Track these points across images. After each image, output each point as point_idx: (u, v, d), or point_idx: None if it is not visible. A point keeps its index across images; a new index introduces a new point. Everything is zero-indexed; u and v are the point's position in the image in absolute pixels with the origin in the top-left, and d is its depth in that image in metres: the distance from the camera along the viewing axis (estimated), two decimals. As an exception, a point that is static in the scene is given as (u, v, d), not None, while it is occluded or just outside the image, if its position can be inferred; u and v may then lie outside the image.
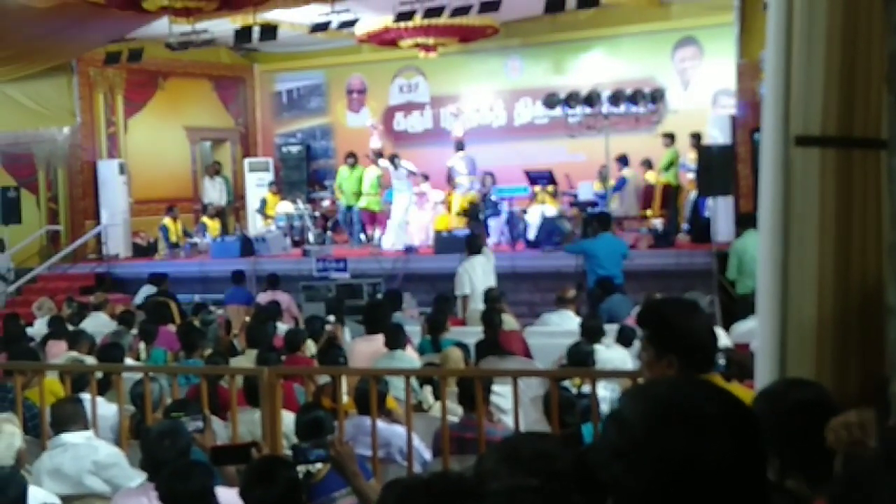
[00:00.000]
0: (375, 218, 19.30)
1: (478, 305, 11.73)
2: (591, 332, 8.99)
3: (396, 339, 8.55)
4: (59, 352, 9.76)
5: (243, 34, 17.36)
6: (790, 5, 3.29)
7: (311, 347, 9.89)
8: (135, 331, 11.00)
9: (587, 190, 18.10)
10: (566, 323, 10.92)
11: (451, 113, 21.96)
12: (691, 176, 16.91)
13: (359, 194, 19.09)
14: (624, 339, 9.11)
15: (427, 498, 1.49)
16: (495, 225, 17.88)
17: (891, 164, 3.06)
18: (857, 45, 3.26)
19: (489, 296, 11.53)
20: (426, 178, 18.79)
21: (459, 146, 19.20)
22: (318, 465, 4.91)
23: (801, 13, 3.27)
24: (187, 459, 4.66)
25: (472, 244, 13.29)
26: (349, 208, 19.35)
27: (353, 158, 19.41)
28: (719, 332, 9.26)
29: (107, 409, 6.93)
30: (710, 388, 1.66)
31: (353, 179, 19.19)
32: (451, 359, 7.98)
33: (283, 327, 11.11)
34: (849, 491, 1.55)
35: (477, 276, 12.61)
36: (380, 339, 8.83)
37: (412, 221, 18.25)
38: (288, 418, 6.44)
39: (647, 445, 1.56)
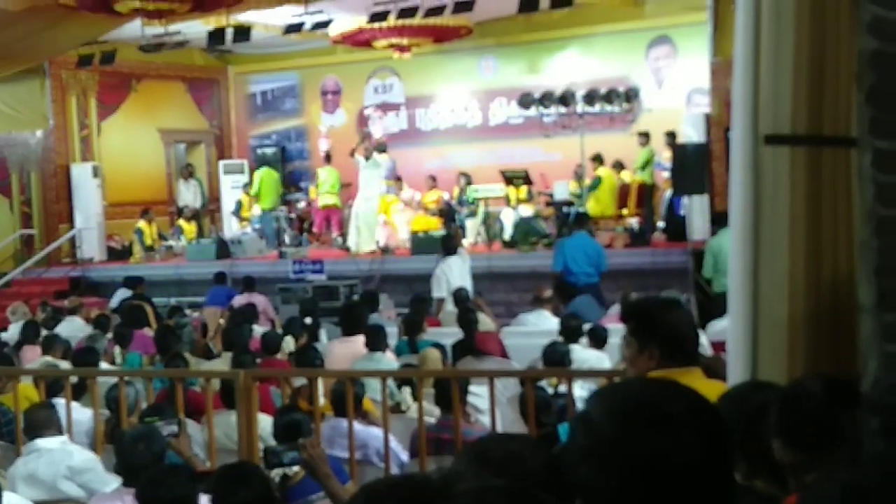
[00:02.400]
0: (331, 216, 19.59)
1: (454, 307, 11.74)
2: (570, 332, 9.00)
3: (377, 341, 8.51)
4: (33, 357, 9.73)
5: (216, 36, 17.31)
6: (758, 4, 3.30)
7: (289, 344, 9.89)
8: (110, 335, 10.94)
9: (563, 189, 18.13)
10: (543, 323, 10.93)
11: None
12: (666, 174, 16.96)
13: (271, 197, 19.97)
14: (596, 339, 9.11)
15: (393, 500, 1.49)
16: (471, 225, 17.90)
17: (861, 162, 3.07)
18: (826, 43, 3.27)
19: (458, 296, 11.55)
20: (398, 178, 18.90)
21: (381, 149, 19.23)
22: (296, 468, 4.90)
23: (770, 11, 3.28)
24: (164, 464, 4.64)
25: (448, 245, 13.29)
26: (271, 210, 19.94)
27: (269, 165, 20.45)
28: (696, 330, 9.29)
29: (81, 414, 6.90)
30: (677, 388, 1.66)
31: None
32: (429, 359, 7.98)
33: (259, 330, 11.07)
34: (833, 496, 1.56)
35: (454, 276, 12.62)
36: (357, 340, 8.82)
37: (389, 222, 18.21)
38: (264, 421, 6.42)
39: (614, 446, 1.56)
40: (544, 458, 2.08)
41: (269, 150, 23.10)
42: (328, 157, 19.80)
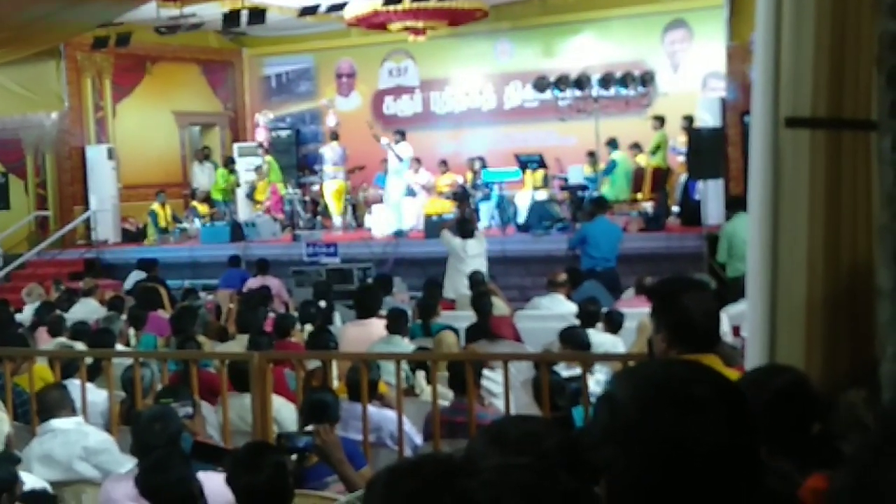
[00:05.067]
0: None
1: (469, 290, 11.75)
2: (587, 316, 8.98)
3: (398, 324, 8.46)
4: (48, 338, 9.74)
5: (231, 18, 17.30)
6: (780, -14, 3.28)
7: (307, 332, 9.88)
8: (124, 316, 10.96)
9: (577, 173, 18.10)
10: (557, 307, 10.92)
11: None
12: (681, 159, 16.91)
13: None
14: (611, 323, 9.09)
15: (417, 478, 1.49)
16: (485, 209, 17.89)
17: (881, 145, 3.05)
18: (847, 25, 3.25)
19: (473, 279, 11.55)
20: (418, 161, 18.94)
21: (334, 136, 19.63)
22: (310, 450, 4.90)
23: (791, -6, 3.26)
24: (167, 449, 4.64)
25: (465, 228, 13.29)
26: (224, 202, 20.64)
27: (233, 164, 21.02)
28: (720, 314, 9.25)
29: (96, 395, 6.91)
30: (702, 370, 1.65)
31: (232, 182, 20.71)
32: (444, 343, 7.95)
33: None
34: (865, 471, 1.55)
35: (471, 259, 12.68)
36: (371, 323, 8.81)
37: (405, 206, 18.24)
38: (278, 403, 6.43)
39: (638, 427, 1.56)
40: (560, 438, 2.08)
41: (284, 133, 23.11)
42: (268, 150, 20.87)
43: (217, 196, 20.81)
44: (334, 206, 19.34)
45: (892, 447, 1.53)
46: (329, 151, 19.35)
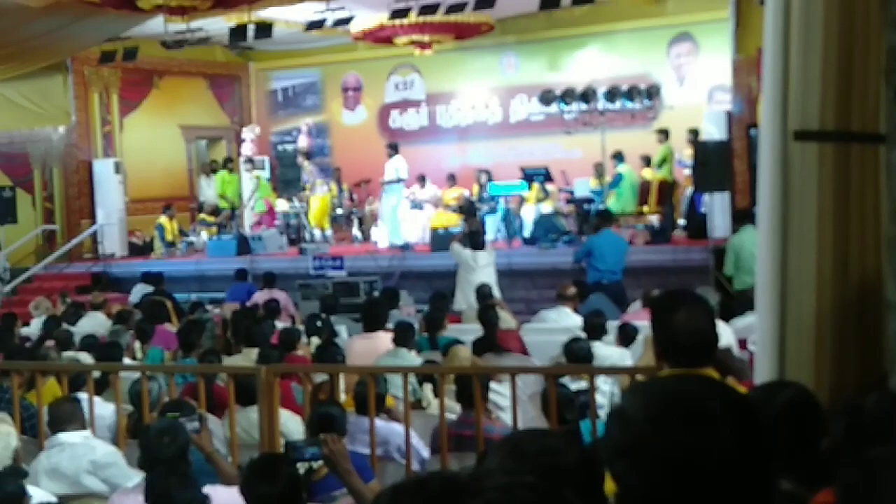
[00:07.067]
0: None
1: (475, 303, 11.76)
2: (593, 329, 8.96)
3: (405, 338, 8.46)
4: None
5: (238, 32, 17.35)
6: (788, 1, 3.28)
7: (314, 343, 9.87)
8: (131, 330, 10.95)
9: (583, 186, 18.10)
10: (563, 319, 10.90)
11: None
12: (688, 172, 16.90)
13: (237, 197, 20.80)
14: (624, 337, 9.06)
15: (421, 496, 1.48)
16: (492, 222, 17.90)
17: (889, 158, 3.06)
18: (855, 39, 3.25)
19: (480, 293, 11.56)
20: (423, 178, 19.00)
21: (307, 155, 20.07)
22: (320, 462, 4.88)
23: (799, 8, 3.26)
24: (177, 461, 4.64)
25: (476, 240, 13.31)
26: (234, 209, 20.73)
27: (231, 163, 21.29)
28: (724, 327, 9.24)
29: (104, 409, 6.92)
30: (713, 385, 1.65)
31: (235, 183, 20.87)
32: (457, 357, 7.92)
33: (280, 326, 11.05)
34: (863, 480, 1.55)
35: (481, 271, 12.72)
36: (378, 336, 8.81)
37: (408, 220, 18.24)
38: (284, 417, 6.42)
39: (649, 442, 1.55)
40: (578, 452, 2.08)
41: (290, 147, 23.08)
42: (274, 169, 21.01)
43: (224, 205, 20.84)
44: (318, 219, 19.46)
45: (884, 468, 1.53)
46: (312, 168, 19.68)
